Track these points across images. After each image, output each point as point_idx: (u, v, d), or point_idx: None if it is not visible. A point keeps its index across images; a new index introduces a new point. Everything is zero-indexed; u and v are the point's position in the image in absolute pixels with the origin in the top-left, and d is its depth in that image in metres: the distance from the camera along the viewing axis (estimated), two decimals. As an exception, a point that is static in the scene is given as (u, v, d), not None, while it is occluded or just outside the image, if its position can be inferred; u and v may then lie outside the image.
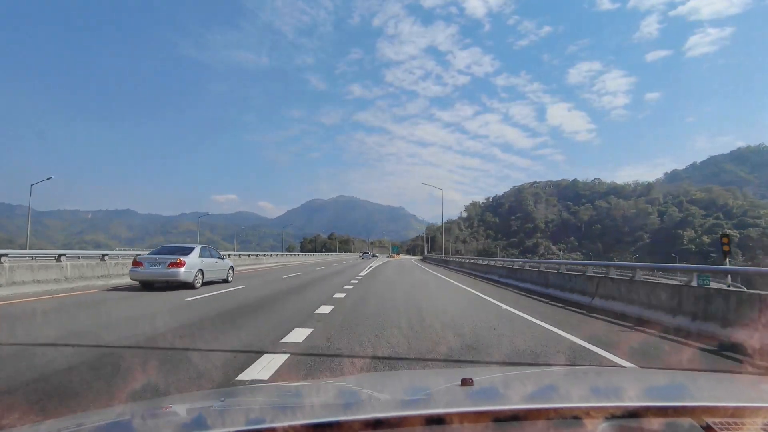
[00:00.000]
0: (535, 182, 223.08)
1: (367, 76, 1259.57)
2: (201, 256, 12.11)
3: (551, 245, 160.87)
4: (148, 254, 11.78)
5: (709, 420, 0.90)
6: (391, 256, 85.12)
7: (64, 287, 10.43)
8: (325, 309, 7.71)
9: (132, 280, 11.34)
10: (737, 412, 0.94)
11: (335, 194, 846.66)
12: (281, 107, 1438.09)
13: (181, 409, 1.30)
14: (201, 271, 11.73)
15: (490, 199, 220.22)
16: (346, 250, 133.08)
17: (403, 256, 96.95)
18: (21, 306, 7.81)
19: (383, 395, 1.35)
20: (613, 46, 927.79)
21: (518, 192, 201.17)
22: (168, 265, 10.99)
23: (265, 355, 4.34)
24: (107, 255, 13.85)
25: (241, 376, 3.63)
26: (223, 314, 7.12)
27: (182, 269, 11.04)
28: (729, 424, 0.90)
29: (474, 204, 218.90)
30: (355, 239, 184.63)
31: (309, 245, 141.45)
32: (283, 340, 5.04)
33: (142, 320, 6.50)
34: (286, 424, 0.82)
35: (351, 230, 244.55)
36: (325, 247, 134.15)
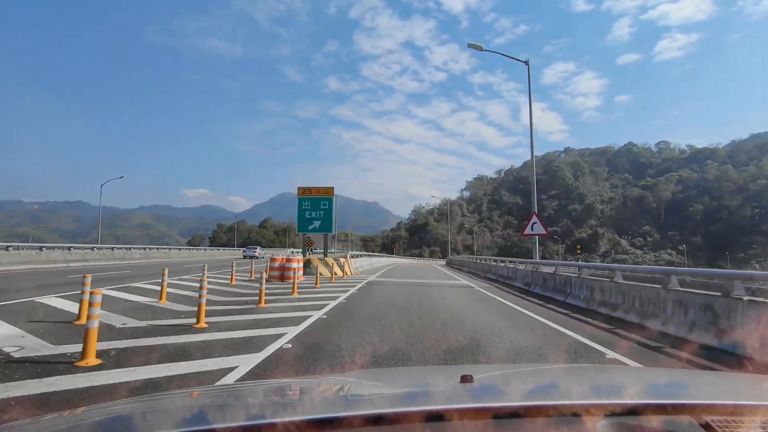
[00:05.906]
0: (567, 148, 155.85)
1: (344, 69, 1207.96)
2: (260, 249, 44.14)
3: (617, 237, 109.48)
4: (247, 248, 43.87)
5: (709, 418, 0.90)
6: (313, 265, 18.01)
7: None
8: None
9: (242, 255, 42.21)
10: (737, 410, 0.94)
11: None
12: (256, 99, 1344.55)
13: (181, 404, 1.33)
14: (259, 252, 42.63)
15: (503, 173, 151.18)
16: (282, 244, 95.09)
17: (381, 259, 44.68)
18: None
19: (383, 391, 1.38)
20: (587, 48, 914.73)
21: (546, 162, 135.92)
22: (253, 251, 41.99)
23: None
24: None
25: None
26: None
27: (257, 252, 41.87)
28: (728, 422, 0.89)
29: (480, 179, 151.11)
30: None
31: (223, 236, 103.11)
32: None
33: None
34: (286, 419, 0.84)
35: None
36: (249, 238, 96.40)
